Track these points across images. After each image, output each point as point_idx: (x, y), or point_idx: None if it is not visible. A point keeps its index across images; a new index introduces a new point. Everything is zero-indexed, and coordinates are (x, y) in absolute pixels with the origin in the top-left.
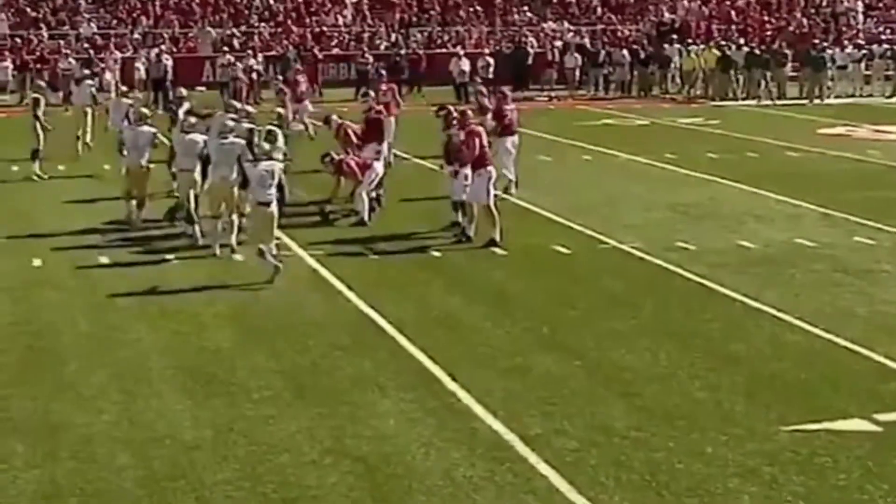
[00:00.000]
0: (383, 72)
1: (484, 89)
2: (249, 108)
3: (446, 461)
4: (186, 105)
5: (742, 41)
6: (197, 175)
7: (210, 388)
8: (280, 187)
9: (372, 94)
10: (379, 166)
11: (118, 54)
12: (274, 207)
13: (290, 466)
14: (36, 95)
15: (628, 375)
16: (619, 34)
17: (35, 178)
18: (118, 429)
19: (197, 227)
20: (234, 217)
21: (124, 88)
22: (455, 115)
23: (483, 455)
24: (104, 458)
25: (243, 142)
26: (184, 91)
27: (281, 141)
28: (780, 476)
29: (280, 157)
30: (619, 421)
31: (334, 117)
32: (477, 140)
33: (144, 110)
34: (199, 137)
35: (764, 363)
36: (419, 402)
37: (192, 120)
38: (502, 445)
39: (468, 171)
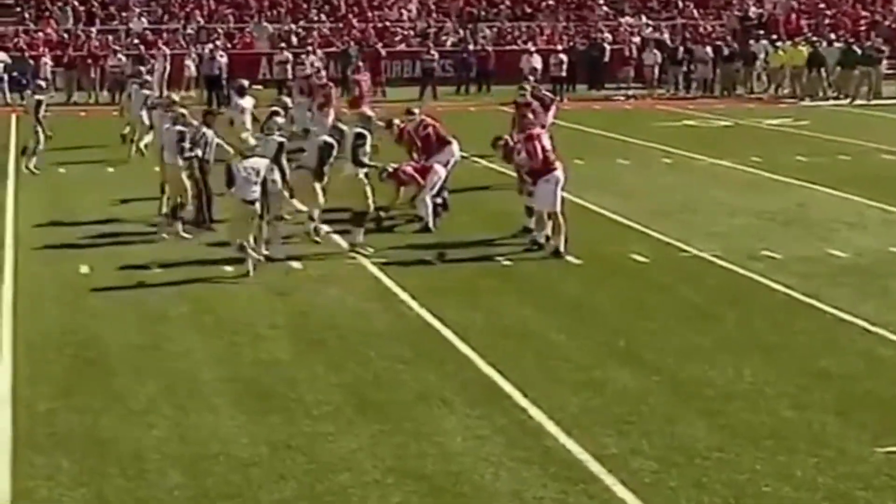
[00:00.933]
0: (361, 63)
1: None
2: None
3: (516, 482)
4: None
5: (833, 36)
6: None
7: (266, 402)
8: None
9: (416, 111)
10: (441, 169)
11: (166, 50)
12: (258, 206)
13: (351, 486)
14: (39, 98)
15: (710, 392)
16: (702, 29)
17: (29, 170)
18: (169, 445)
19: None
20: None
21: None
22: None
23: (555, 475)
24: (154, 475)
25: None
26: (245, 82)
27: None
28: (874, 501)
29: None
30: (700, 440)
31: (397, 121)
32: (538, 144)
33: (182, 110)
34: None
35: (857, 380)
36: (487, 419)
37: (280, 120)
38: (576, 465)
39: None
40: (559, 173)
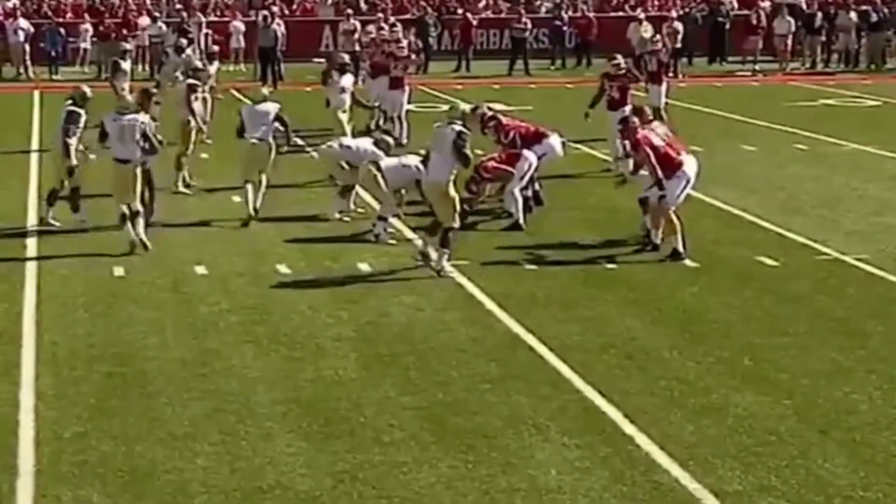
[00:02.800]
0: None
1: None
2: None
3: None
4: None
5: None
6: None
7: (330, 427)
8: (149, 143)
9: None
10: (532, 156)
11: (201, 17)
12: (134, 165)
13: None
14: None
15: (853, 420)
16: None
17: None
18: (217, 476)
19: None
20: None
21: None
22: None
23: None
24: None
25: None
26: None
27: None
28: None
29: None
30: (841, 477)
31: (483, 108)
32: (647, 150)
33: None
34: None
35: None
36: (588, 449)
37: None
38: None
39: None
40: (689, 169)
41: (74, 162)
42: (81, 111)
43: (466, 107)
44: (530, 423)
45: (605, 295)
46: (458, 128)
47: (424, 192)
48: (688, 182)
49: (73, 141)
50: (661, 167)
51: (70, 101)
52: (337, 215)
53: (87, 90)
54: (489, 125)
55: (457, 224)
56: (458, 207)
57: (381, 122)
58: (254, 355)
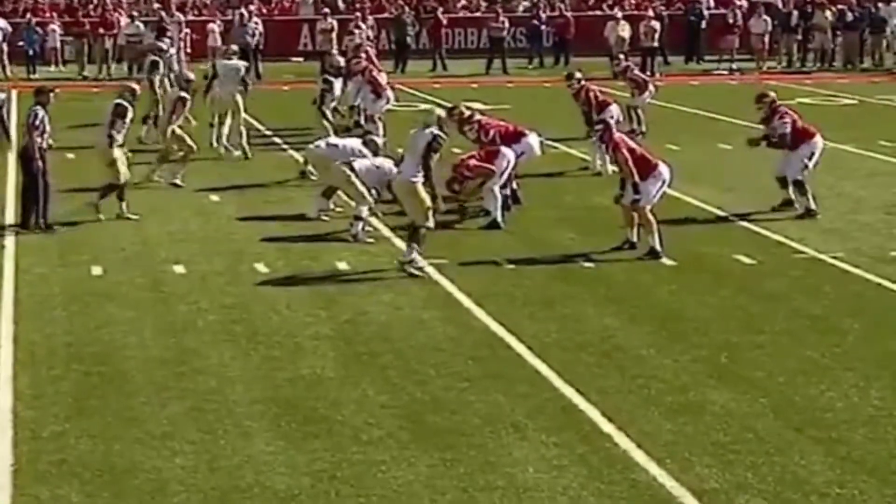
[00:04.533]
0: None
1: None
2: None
3: None
4: None
5: None
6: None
7: (308, 426)
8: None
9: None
10: (510, 153)
11: (181, 17)
12: None
13: None
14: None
15: (829, 417)
16: None
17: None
18: (195, 475)
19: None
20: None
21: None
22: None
23: None
24: None
25: None
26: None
27: None
28: None
29: None
30: (817, 474)
31: (461, 108)
32: (623, 153)
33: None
34: None
35: None
36: (566, 447)
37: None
38: (670, 502)
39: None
40: (664, 170)
41: (116, 154)
42: (129, 107)
43: (441, 112)
44: (508, 421)
45: (583, 293)
46: (435, 132)
47: (395, 192)
48: (664, 183)
49: (117, 136)
50: (637, 169)
51: (119, 98)
52: (317, 214)
53: (137, 87)
54: (470, 124)
55: (430, 223)
56: (429, 206)
57: (361, 121)
58: (232, 354)
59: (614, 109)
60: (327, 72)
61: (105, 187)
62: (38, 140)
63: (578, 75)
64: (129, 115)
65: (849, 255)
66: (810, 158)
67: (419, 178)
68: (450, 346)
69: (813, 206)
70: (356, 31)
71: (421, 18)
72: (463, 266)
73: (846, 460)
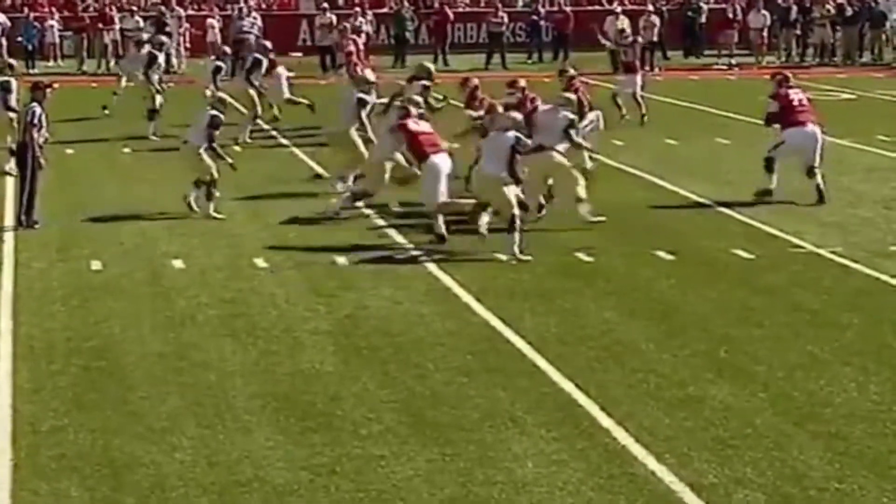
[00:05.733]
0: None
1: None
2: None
3: None
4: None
5: None
6: None
7: (307, 420)
8: None
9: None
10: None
11: (180, 11)
12: None
13: None
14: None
15: (828, 412)
16: None
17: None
18: (195, 469)
19: None
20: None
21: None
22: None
23: None
24: None
25: None
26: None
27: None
28: None
29: None
30: (815, 469)
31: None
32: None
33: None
34: None
35: None
36: (565, 441)
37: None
38: (669, 497)
39: None
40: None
41: (208, 159)
42: (222, 116)
43: (518, 115)
44: (507, 416)
45: (582, 287)
46: (517, 135)
47: (476, 187)
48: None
49: (214, 144)
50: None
51: (212, 109)
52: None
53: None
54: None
55: (518, 211)
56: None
57: None
58: (232, 349)
59: (592, 116)
60: (362, 90)
61: (200, 183)
62: (36, 136)
63: (572, 72)
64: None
65: (847, 250)
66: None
67: (505, 177)
68: (449, 340)
69: (772, 188)
70: (346, 25)
71: (420, 13)
72: (462, 260)
73: (845, 455)
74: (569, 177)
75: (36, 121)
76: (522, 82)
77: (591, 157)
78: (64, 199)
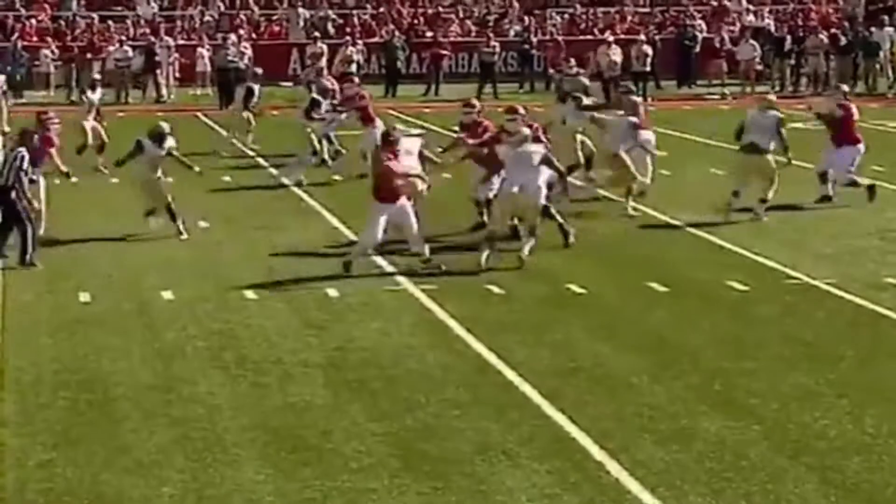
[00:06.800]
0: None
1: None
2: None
3: None
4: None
5: None
6: None
7: (297, 454)
8: None
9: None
10: None
11: (169, 41)
12: None
13: None
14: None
15: (822, 445)
16: (813, 15)
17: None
18: (184, 503)
19: None
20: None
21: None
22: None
23: None
24: None
25: None
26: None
27: None
28: None
29: None
30: (810, 502)
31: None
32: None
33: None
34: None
35: None
36: (558, 475)
37: None
38: None
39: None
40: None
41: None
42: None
43: (526, 130)
44: (500, 449)
45: (573, 319)
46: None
47: (516, 204)
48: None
49: None
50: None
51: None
52: None
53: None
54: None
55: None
56: None
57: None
58: (221, 381)
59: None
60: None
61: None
62: (23, 179)
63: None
64: None
65: (841, 281)
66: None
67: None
68: (440, 372)
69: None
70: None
71: (412, 43)
72: (453, 292)
73: (840, 488)
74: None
75: (24, 165)
76: (477, 105)
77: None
78: (52, 228)
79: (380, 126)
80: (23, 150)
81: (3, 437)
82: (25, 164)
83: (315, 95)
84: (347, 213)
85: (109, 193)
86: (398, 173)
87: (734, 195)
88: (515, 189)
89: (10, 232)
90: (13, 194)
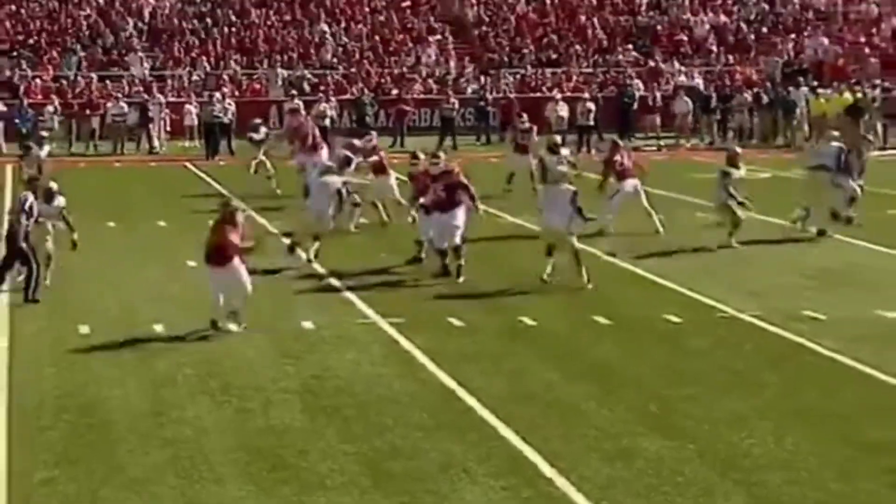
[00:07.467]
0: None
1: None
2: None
3: None
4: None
5: (879, 83)
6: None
7: (277, 472)
8: None
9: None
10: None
11: (161, 98)
12: None
13: None
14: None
15: (748, 462)
16: (738, 76)
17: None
18: None
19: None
20: None
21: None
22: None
23: None
24: None
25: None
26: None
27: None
28: None
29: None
30: None
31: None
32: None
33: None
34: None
35: None
36: (512, 490)
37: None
38: None
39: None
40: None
41: None
42: None
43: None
44: (460, 467)
45: (527, 350)
46: (572, 188)
47: (549, 236)
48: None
49: None
50: None
51: None
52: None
53: None
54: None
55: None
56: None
57: None
58: (207, 406)
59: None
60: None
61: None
62: (26, 223)
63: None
64: None
65: (766, 314)
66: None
67: (571, 228)
68: (406, 399)
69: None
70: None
71: (379, 100)
72: (418, 325)
73: (765, 501)
74: None
75: (29, 209)
76: (421, 157)
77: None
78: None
79: (393, 176)
80: (28, 195)
81: (10, 457)
82: (28, 207)
83: (346, 153)
84: (332, 254)
85: (107, 235)
86: (233, 243)
87: (804, 211)
88: (551, 224)
89: (11, 269)
90: (19, 236)
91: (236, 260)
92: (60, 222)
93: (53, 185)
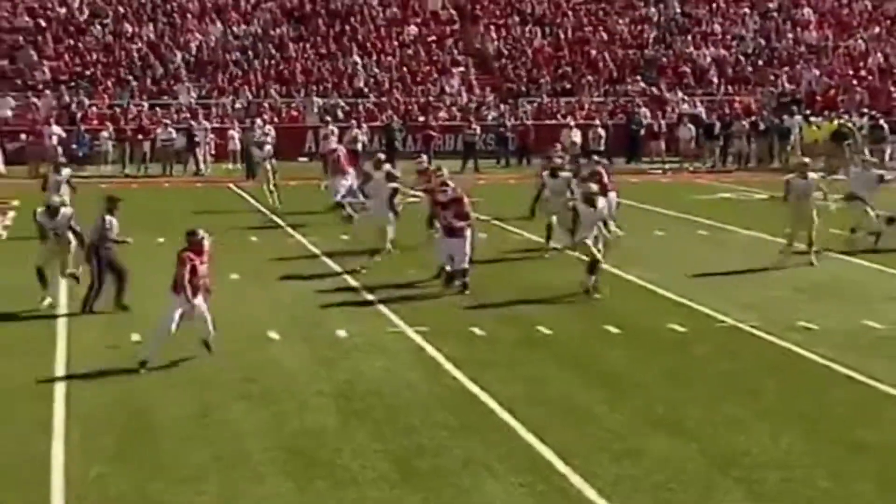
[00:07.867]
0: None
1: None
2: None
3: None
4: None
5: (865, 111)
6: None
7: (313, 470)
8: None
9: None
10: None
11: (206, 124)
12: None
13: None
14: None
15: (747, 461)
16: (737, 105)
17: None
18: None
19: None
20: None
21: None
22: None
23: None
24: None
25: None
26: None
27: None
28: None
29: None
30: None
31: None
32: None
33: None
34: None
35: (895, 451)
36: (529, 486)
37: None
38: None
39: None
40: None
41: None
42: None
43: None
44: (481, 464)
45: (543, 357)
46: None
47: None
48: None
49: None
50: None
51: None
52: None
53: None
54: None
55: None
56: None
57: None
58: (247, 409)
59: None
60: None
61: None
62: (108, 242)
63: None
64: None
65: (764, 325)
66: None
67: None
68: (432, 401)
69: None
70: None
71: (408, 126)
72: (443, 334)
73: (761, 496)
74: None
75: (108, 227)
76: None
77: None
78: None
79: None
80: (107, 214)
81: (67, 456)
82: (108, 226)
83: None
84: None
85: (157, 250)
86: (199, 273)
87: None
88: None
89: (103, 286)
90: (99, 252)
91: (201, 293)
92: (69, 233)
93: (56, 200)
